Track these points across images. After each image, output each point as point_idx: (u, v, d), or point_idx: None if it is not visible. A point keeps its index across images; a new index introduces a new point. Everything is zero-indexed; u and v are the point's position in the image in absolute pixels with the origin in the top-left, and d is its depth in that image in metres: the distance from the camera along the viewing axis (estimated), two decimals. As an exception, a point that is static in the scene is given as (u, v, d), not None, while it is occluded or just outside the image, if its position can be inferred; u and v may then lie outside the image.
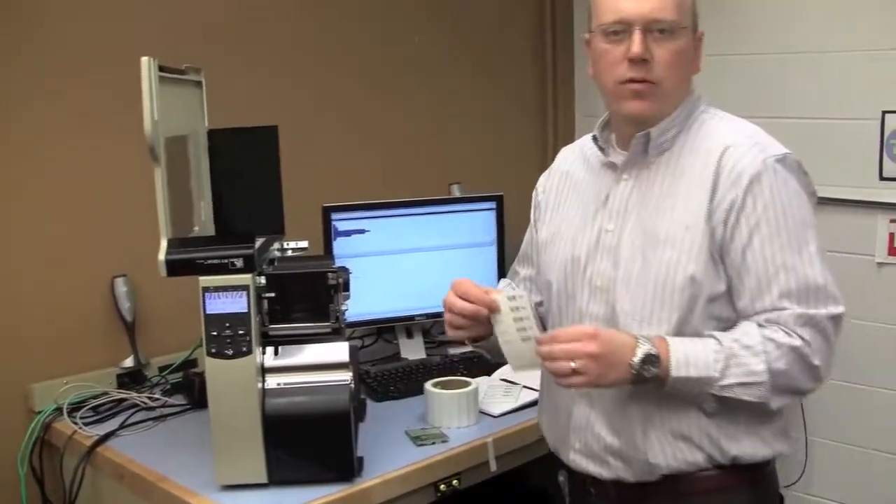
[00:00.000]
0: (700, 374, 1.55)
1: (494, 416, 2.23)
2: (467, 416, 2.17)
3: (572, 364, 1.53)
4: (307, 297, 1.90)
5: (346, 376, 1.87)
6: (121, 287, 2.39)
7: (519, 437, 2.17)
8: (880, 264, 2.83)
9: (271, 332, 1.89)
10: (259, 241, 1.88)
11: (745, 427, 1.64)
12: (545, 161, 3.14)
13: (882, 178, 2.78)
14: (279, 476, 1.84)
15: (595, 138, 1.79)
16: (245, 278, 1.77)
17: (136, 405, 2.31)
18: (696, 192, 1.62)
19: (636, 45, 1.59)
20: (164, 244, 1.75)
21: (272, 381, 1.85)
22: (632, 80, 1.61)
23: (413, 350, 2.72)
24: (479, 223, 2.76)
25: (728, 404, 1.59)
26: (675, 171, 1.66)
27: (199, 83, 2.07)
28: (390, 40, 2.99)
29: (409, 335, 2.74)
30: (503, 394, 2.33)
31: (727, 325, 1.62)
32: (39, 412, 2.24)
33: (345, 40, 2.87)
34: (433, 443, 2.07)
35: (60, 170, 2.30)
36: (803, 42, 2.90)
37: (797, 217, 1.59)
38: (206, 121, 2.07)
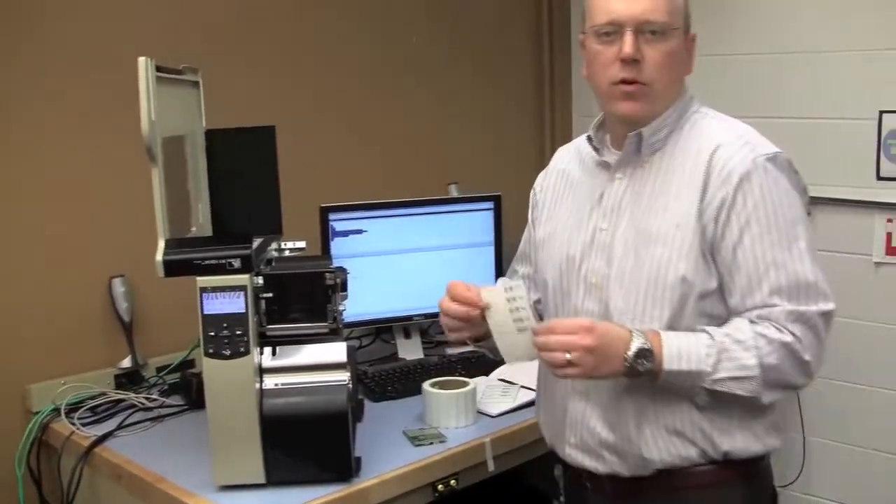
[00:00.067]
0: (692, 367, 1.57)
1: (492, 416, 2.23)
2: (465, 416, 2.17)
3: (567, 356, 1.55)
4: (305, 298, 1.90)
5: (343, 376, 1.87)
6: (118, 287, 2.39)
7: (517, 437, 2.17)
8: (878, 264, 2.84)
9: (269, 333, 1.89)
10: (257, 242, 1.88)
11: (738, 422, 1.66)
12: (542, 161, 3.14)
13: (879, 178, 2.79)
14: (277, 476, 1.84)
15: (590, 138, 1.81)
16: (243, 279, 1.77)
17: (134, 406, 2.31)
18: (687, 191, 1.64)
19: (627, 45, 1.61)
20: (161, 244, 1.75)
21: (270, 382, 1.85)
22: (623, 81, 1.64)
23: (411, 350, 2.72)
24: (477, 223, 2.76)
25: (720, 398, 1.61)
26: (668, 170, 1.68)
27: (196, 83, 2.06)
28: (388, 41, 2.99)
29: (407, 335, 2.74)
30: (501, 394, 2.33)
31: (719, 321, 1.64)
32: (37, 413, 2.24)
33: (342, 41, 2.87)
34: (431, 443, 2.07)
35: (58, 170, 2.30)
36: (800, 42, 2.90)
37: (787, 215, 1.61)
38: (203, 121, 2.07)
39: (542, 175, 1.97)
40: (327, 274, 1.91)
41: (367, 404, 2.27)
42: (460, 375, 2.35)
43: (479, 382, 2.32)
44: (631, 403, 1.67)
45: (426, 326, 2.82)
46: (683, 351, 1.58)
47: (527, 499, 2.40)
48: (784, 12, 2.93)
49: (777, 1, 2.95)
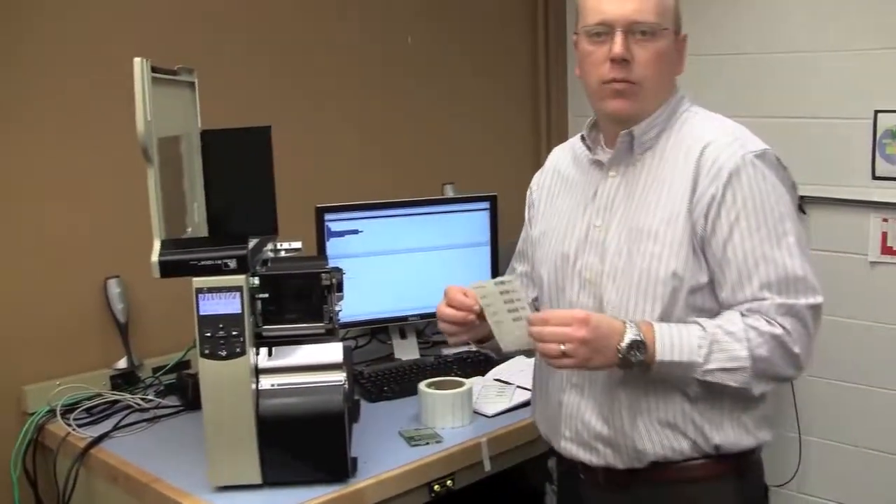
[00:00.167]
0: (684, 359, 1.60)
1: (488, 416, 2.23)
2: (461, 417, 2.17)
3: (562, 347, 1.57)
4: (301, 298, 1.90)
5: (339, 377, 1.87)
6: (114, 288, 2.39)
7: (513, 437, 2.17)
8: (873, 263, 2.84)
9: (265, 333, 1.89)
10: (252, 242, 1.88)
11: (729, 414, 1.69)
12: (538, 161, 3.14)
13: (874, 178, 2.79)
14: (273, 477, 1.84)
15: (583, 137, 1.84)
16: (238, 279, 1.77)
17: (130, 406, 2.31)
18: (678, 187, 1.67)
19: (617, 45, 1.65)
20: (157, 245, 1.75)
21: (266, 382, 1.85)
22: (613, 81, 1.67)
23: (407, 350, 2.72)
24: (473, 223, 2.76)
25: (711, 390, 1.64)
26: (659, 168, 1.71)
27: (192, 84, 2.06)
28: (383, 41, 2.99)
29: (403, 335, 2.74)
30: (497, 394, 2.33)
31: (709, 316, 1.66)
32: (33, 414, 2.24)
33: (338, 41, 2.87)
34: (427, 443, 2.07)
35: (53, 171, 2.30)
36: (796, 42, 2.90)
37: (776, 210, 1.63)
38: (199, 121, 2.07)
39: (538, 174, 2.00)
40: (323, 274, 1.91)
41: (364, 405, 2.27)
42: (456, 375, 2.35)
43: (475, 382, 2.32)
44: (625, 397, 1.70)
45: (422, 327, 2.82)
46: (676, 342, 1.60)
47: (523, 499, 2.40)
48: (780, 12, 2.93)
49: (774, 1, 2.95)
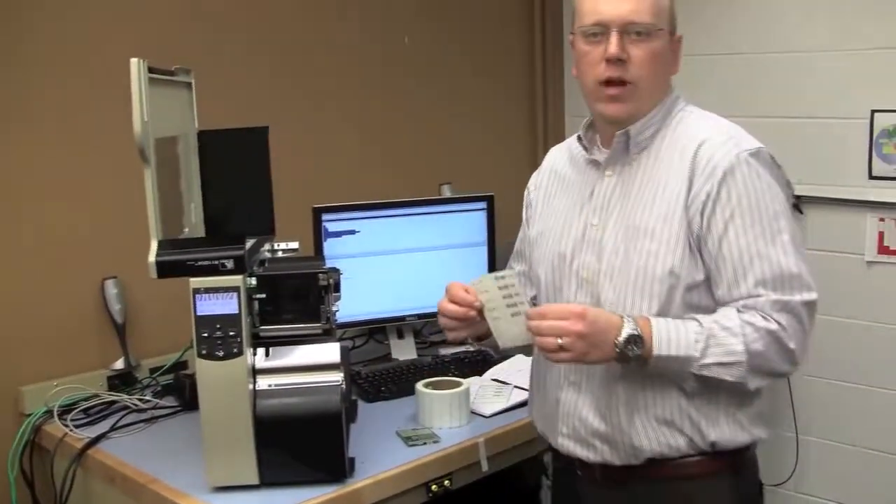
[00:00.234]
0: (681, 353, 1.61)
1: (486, 417, 2.23)
2: (458, 417, 2.17)
3: (559, 341, 1.58)
4: (298, 298, 1.90)
5: (337, 377, 1.87)
6: (111, 289, 2.38)
7: (510, 437, 2.17)
8: (870, 263, 2.85)
9: (262, 334, 1.89)
10: (249, 243, 1.88)
11: (724, 409, 1.70)
12: (535, 161, 3.15)
13: (871, 177, 2.80)
14: (270, 477, 1.83)
15: (580, 138, 1.86)
16: (236, 279, 1.77)
17: (127, 407, 2.30)
18: (673, 186, 1.69)
19: (613, 45, 1.67)
20: (154, 246, 1.74)
21: (263, 383, 1.84)
22: (609, 80, 1.69)
23: (404, 350, 2.72)
24: (470, 223, 2.76)
25: (708, 385, 1.66)
26: (655, 167, 1.73)
27: (188, 84, 2.06)
28: (380, 41, 2.99)
29: (400, 336, 2.74)
30: (494, 394, 2.33)
31: (706, 313, 1.67)
32: (30, 415, 2.24)
33: (335, 41, 2.87)
34: (424, 443, 2.07)
35: (50, 172, 2.30)
36: (793, 42, 2.91)
37: (770, 208, 1.65)
38: (196, 122, 2.07)
39: (535, 174, 2.01)
40: (320, 274, 1.91)
41: (361, 405, 2.27)
42: (453, 376, 2.35)
43: (472, 383, 2.31)
44: (622, 393, 1.71)
45: (419, 327, 2.82)
46: (673, 337, 1.61)
47: (520, 499, 2.41)
48: (775, 12, 2.93)
49: (771, 1, 2.96)
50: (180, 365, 2.44)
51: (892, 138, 2.74)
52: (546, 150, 2.06)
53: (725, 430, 1.71)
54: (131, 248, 1.95)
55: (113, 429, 2.18)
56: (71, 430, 2.17)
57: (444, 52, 3.17)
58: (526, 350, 1.98)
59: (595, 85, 1.72)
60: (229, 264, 1.76)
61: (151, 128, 1.73)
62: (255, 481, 1.83)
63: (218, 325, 1.77)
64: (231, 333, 1.77)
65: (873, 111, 2.76)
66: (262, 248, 2.03)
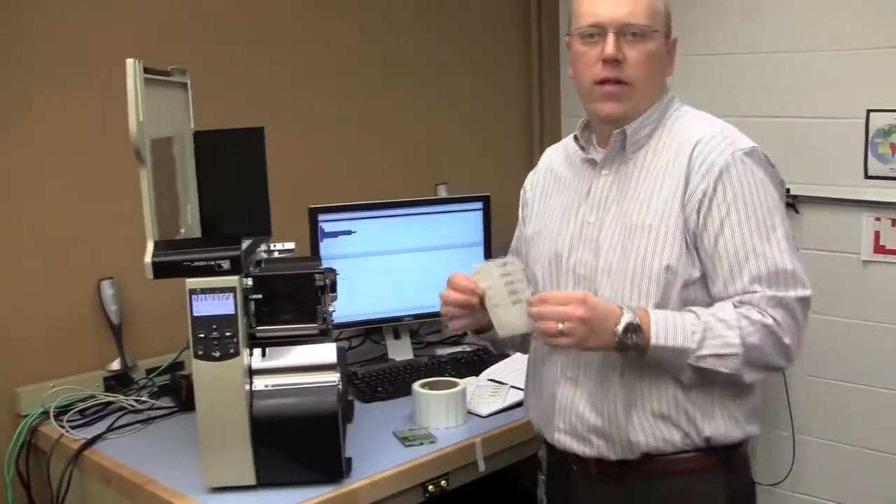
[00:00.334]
0: (678, 344, 1.63)
1: (482, 417, 2.23)
2: (455, 417, 2.17)
3: (560, 325, 1.60)
4: (294, 299, 1.90)
5: (333, 377, 1.87)
6: (107, 290, 2.38)
7: (507, 438, 2.17)
8: (865, 262, 2.85)
9: (258, 334, 1.89)
10: (246, 243, 1.88)
11: (720, 403, 1.72)
12: (531, 161, 3.14)
13: (867, 177, 2.80)
14: (267, 478, 1.83)
15: (576, 137, 1.88)
16: (232, 280, 1.77)
17: (124, 408, 2.30)
18: (670, 184, 1.72)
19: (609, 46, 1.70)
20: (150, 246, 1.74)
21: (260, 383, 1.84)
22: (605, 81, 1.72)
23: (400, 351, 2.72)
24: (466, 224, 2.76)
25: (704, 378, 1.68)
26: (651, 165, 1.75)
27: (184, 85, 2.06)
28: (377, 41, 2.99)
29: (397, 336, 2.74)
30: (491, 394, 2.33)
31: None
32: (26, 416, 2.24)
33: (331, 41, 2.87)
34: (421, 443, 2.07)
35: (46, 172, 2.29)
36: (788, 41, 2.90)
37: (764, 205, 1.68)
38: (191, 122, 2.07)
39: (531, 174, 2.03)
40: (317, 275, 1.91)
41: (357, 405, 2.27)
42: (450, 376, 2.35)
43: (468, 383, 2.32)
44: (619, 388, 1.73)
45: (416, 327, 2.82)
46: (670, 328, 1.63)
47: (517, 499, 2.40)
48: (772, 11, 2.93)
49: (765, 1, 2.96)
50: (177, 365, 2.44)
51: (887, 137, 2.74)
52: (542, 150, 2.07)
53: (720, 425, 1.72)
54: (127, 249, 1.96)
55: (109, 430, 2.18)
56: (67, 431, 2.17)
57: (440, 53, 3.17)
58: (523, 348, 1.99)
59: (591, 85, 1.74)
60: (225, 265, 1.76)
61: (147, 128, 1.73)
62: (252, 482, 1.83)
63: (214, 326, 1.77)
64: (227, 334, 1.77)
65: (869, 110, 2.76)
66: (259, 249, 2.03)
